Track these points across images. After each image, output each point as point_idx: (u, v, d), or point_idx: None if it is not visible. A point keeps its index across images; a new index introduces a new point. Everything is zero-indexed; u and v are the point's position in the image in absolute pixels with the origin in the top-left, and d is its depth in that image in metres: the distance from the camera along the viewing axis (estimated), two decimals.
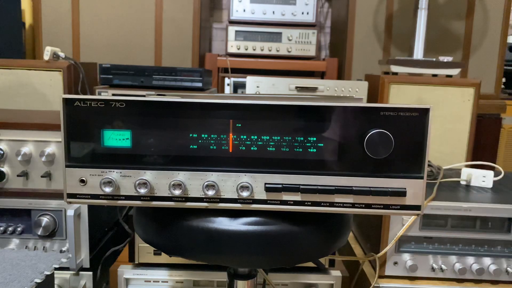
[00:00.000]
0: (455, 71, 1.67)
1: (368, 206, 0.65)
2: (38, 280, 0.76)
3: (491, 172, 1.19)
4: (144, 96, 0.64)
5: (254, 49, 2.22)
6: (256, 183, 0.65)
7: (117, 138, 0.64)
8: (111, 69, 1.70)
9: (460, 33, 2.11)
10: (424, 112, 0.63)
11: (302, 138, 0.64)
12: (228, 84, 2.10)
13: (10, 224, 1.10)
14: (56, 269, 0.83)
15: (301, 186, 0.64)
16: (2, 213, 1.10)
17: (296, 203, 0.65)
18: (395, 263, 1.05)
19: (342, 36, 2.23)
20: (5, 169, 1.07)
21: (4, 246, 1.10)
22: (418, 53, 1.76)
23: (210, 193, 0.64)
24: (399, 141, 0.63)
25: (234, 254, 0.66)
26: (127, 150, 0.65)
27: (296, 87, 1.77)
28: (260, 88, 1.76)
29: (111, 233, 1.34)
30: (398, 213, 0.65)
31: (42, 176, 1.07)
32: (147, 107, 0.63)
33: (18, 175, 1.07)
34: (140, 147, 0.65)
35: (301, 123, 0.64)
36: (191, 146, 0.64)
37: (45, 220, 1.07)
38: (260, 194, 0.65)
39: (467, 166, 1.50)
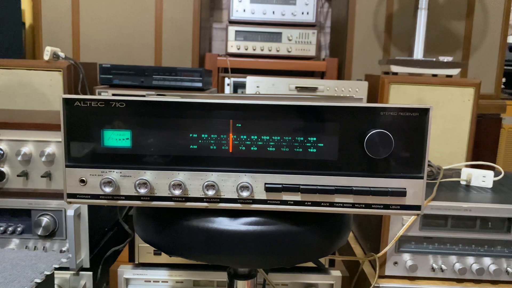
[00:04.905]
0: (455, 71, 1.67)
1: (368, 206, 0.65)
2: (38, 280, 0.76)
3: (491, 172, 1.19)
4: (144, 96, 0.64)
5: (254, 49, 2.22)
6: (256, 183, 0.65)
7: (117, 138, 0.64)
8: (111, 69, 1.70)
9: (460, 33, 2.11)
10: (424, 112, 0.63)
11: (302, 138, 0.64)
12: (228, 84, 2.10)
13: (10, 224, 1.10)
14: (56, 269, 0.83)
15: (301, 186, 0.64)
16: (2, 213, 1.10)
17: (296, 203, 0.65)
18: (395, 263, 1.05)
19: (342, 36, 2.23)
20: (5, 169, 1.07)
21: (4, 246, 1.10)
22: (418, 53, 1.76)
23: (210, 193, 0.64)
24: (399, 141, 0.63)
25: (234, 254, 0.66)
26: (127, 150, 0.65)
27: (296, 87, 1.77)
28: (260, 88, 1.76)
29: (111, 233, 1.34)
30: (398, 213, 0.65)
31: (42, 176, 1.07)
32: (147, 107, 0.63)
33: (18, 175, 1.07)
34: (140, 147, 0.65)
35: (301, 123, 0.64)
36: (191, 146, 0.64)
37: (45, 220, 1.07)
38: (260, 194, 0.65)
39: (467, 166, 1.50)
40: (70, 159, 0.65)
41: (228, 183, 0.65)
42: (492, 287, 1.05)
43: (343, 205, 0.65)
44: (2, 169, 1.07)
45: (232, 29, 2.22)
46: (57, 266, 0.83)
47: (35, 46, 2.13)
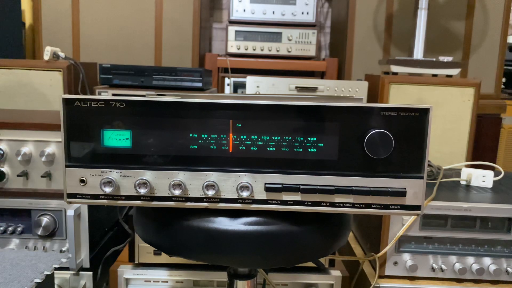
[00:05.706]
0: (455, 71, 1.67)
1: (368, 206, 0.65)
2: (38, 280, 0.76)
3: (491, 172, 1.19)
4: (144, 96, 0.64)
5: (254, 49, 2.22)
6: (256, 183, 0.65)
7: (117, 138, 0.64)
8: (111, 69, 1.70)
9: (460, 33, 2.11)
10: (424, 112, 0.63)
11: (302, 138, 0.64)
12: (228, 84, 2.10)
13: (10, 224, 1.10)
14: (56, 269, 0.83)
15: (301, 186, 0.64)
16: (2, 213, 1.10)
17: (296, 203, 0.65)
18: (395, 263, 1.05)
19: (342, 36, 2.23)
20: (5, 169, 1.07)
21: (4, 246, 1.10)
22: (418, 53, 1.76)
23: (210, 193, 0.64)
24: (399, 141, 0.63)
25: (234, 254, 0.66)
26: (127, 150, 0.65)
27: (296, 87, 1.77)
28: (260, 88, 1.76)
29: (111, 233, 1.34)
30: (398, 213, 0.65)
31: (42, 176, 1.07)
32: (147, 107, 0.63)
33: (18, 175, 1.07)
34: (140, 147, 0.65)
35: (301, 123, 0.64)
36: (191, 146, 0.64)
37: (45, 220, 1.07)
38: (260, 194, 0.65)
39: (467, 166, 1.50)
40: (70, 159, 0.65)
41: (228, 183, 0.65)
42: (492, 287, 1.05)
43: (343, 205, 0.65)
44: (2, 169, 1.07)
45: (232, 29, 2.22)
46: (57, 266, 0.83)
47: (35, 46, 2.13)
